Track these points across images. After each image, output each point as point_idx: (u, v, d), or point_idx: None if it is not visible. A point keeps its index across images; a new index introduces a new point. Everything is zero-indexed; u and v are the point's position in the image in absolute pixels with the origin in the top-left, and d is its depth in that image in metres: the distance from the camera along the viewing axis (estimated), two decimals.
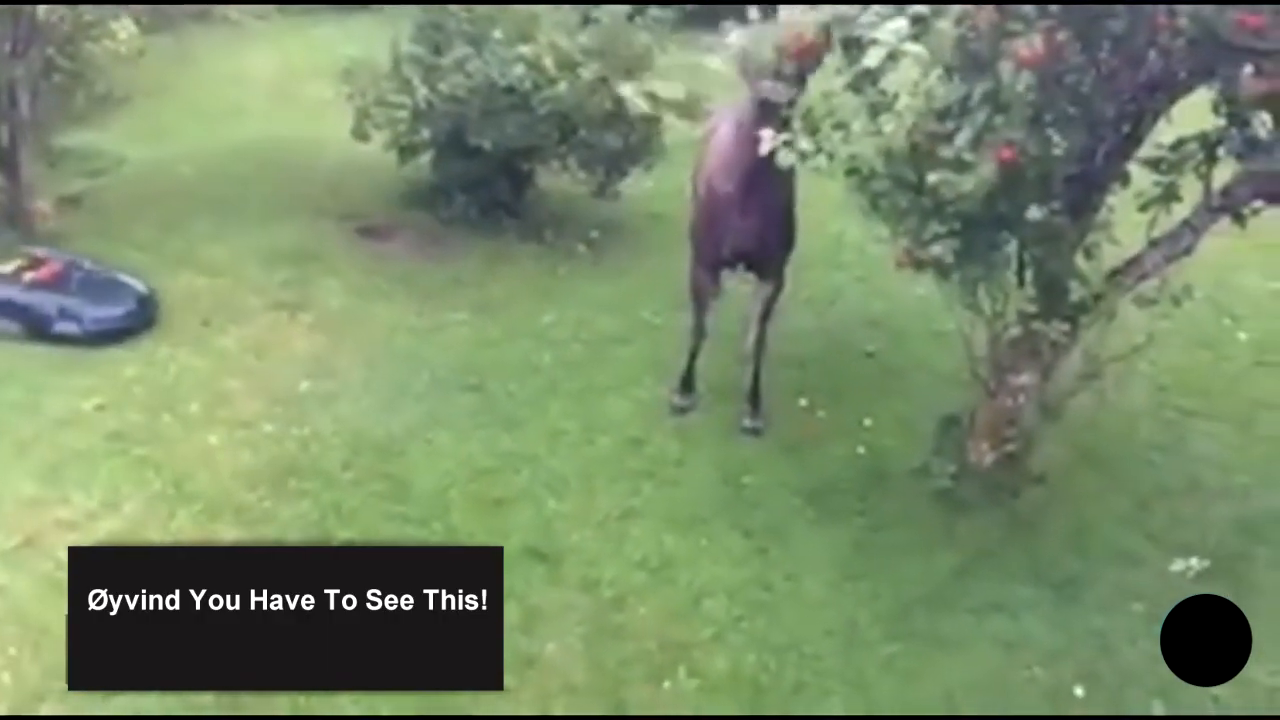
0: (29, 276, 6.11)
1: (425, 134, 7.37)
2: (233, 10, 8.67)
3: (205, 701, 4.13)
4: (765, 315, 5.77)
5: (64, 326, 5.96)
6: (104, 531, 4.81)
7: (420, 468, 5.37)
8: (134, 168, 8.23)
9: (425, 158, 7.65)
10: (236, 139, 8.83)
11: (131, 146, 8.57)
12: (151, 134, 8.92)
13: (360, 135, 7.35)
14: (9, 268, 6.14)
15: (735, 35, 5.13)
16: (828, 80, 4.59)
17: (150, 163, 8.35)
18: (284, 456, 5.36)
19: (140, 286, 6.18)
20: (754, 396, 5.80)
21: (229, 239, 7.16)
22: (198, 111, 9.43)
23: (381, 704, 4.17)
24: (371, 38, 7.92)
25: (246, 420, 5.58)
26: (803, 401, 5.99)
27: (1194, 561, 4.96)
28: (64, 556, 4.63)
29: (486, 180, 7.49)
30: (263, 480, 5.19)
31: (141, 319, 6.07)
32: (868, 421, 5.86)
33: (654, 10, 7.60)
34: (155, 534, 4.83)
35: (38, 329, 5.98)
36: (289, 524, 4.97)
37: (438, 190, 7.74)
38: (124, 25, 9.19)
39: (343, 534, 4.92)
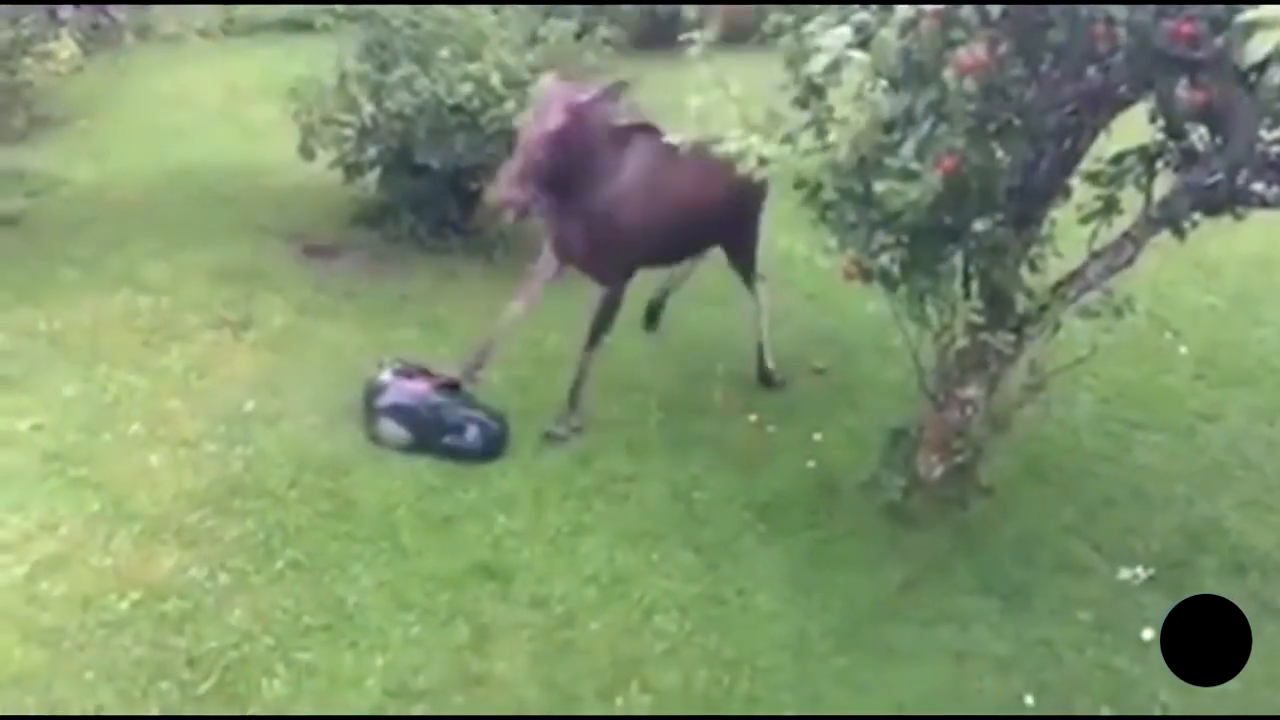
0: (410, 385, 5.66)
1: (372, 152, 7.32)
2: (174, 24, 8.56)
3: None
4: (595, 324, 5.79)
5: (453, 440, 5.54)
6: (40, 553, 4.68)
7: (367, 486, 5.29)
8: (73, 188, 8.09)
9: (372, 176, 7.60)
10: (179, 159, 8.73)
11: (71, 167, 8.44)
12: (91, 154, 8.79)
13: (306, 153, 7.28)
14: (385, 374, 5.71)
15: None
16: (772, 97, 4.61)
17: (90, 183, 8.22)
18: (227, 476, 5.26)
19: (492, 408, 5.74)
20: (570, 400, 5.83)
21: (171, 258, 7.04)
22: (139, 132, 9.32)
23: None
24: (318, 59, 7.86)
25: (189, 440, 5.47)
26: (752, 417, 6.00)
27: (1139, 570, 5.02)
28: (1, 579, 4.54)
29: (434, 199, 7.46)
30: (206, 500, 5.08)
31: (503, 440, 5.66)
32: (817, 436, 5.88)
33: (602, 30, 7.66)
34: (94, 555, 4.71)
35: (427, 440, 5.54)
36: (232, 545, 4.86)
37: (385, 209, 7.69)
38: (64, 44, 9.12)
39: (288, 553, 4.83)
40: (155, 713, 4.05)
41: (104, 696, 4.09)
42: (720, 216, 5.87)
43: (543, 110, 5.31)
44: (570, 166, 5.37)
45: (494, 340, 5.80)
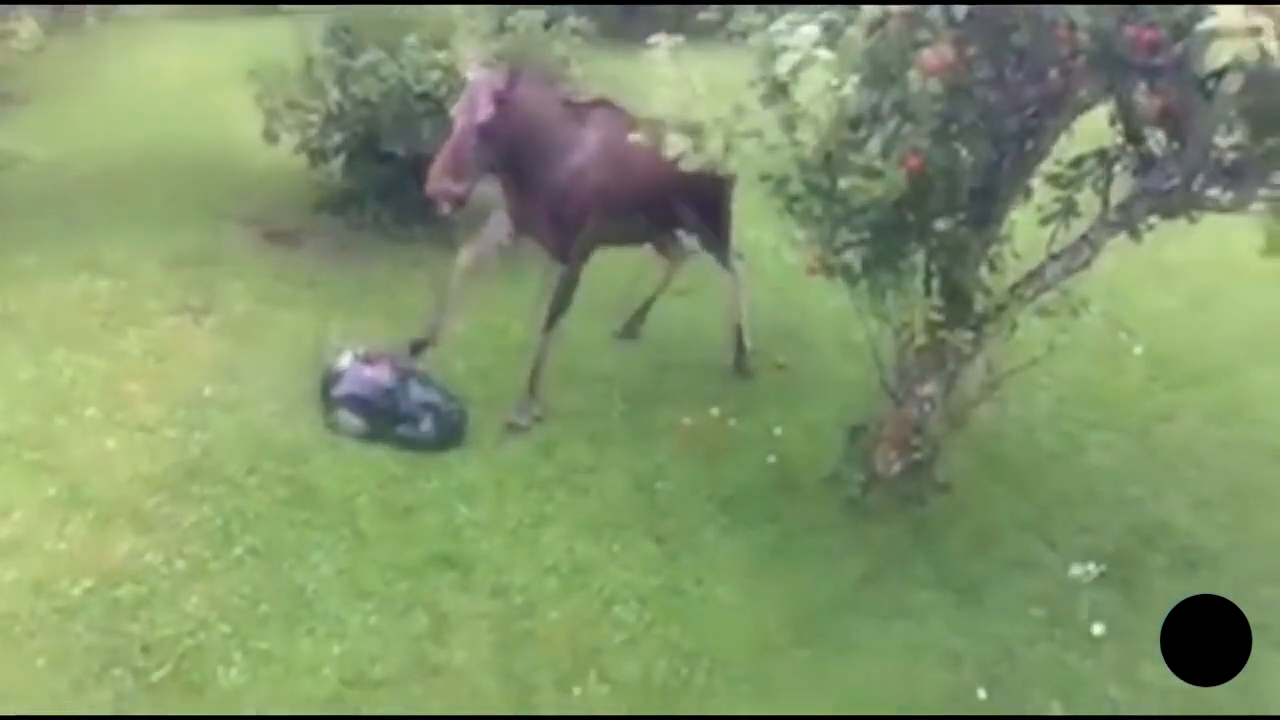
0: (368, 373, 5.58)
1: (337, 138, 7.26)
2: (137, 7, 8.45)
3: None
4: (553, 304, 5.81)
5: (405, 430, 5.49)
6: None
7: (327, 474, 5.27)
8: (33, 167, 7.97)
9: (337, 162, 7.55)
10: (141, 140, 8.60)
11: (31, 146, 8.30)
12: (52, 134, 8.64)
13: (270, 137, 7.22)
14: (343, 361, 5.62)
15: None
16: (738, 93, 4.63)
17: (51, 163, 8.10)
18: (185, 461, 5.22)
19: (452, 395, 5.71)
20: (529, 387, 5.84)
21: (131, 241, 6.96)
22: (101, 112, 9.17)
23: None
24: (284, 42, 7.79)
25: (146, 424, 5.42)
26: (715, 411, 6.01)
27: (1091, 567, 5.07)
28: None
29: (399, 185, 7.40)
30: (163, 485, 5.05)
31: (460, 430, 5.62)
32: (778, 430, 5.91)
33: (571, 20, 7.64)
34: (48, 540, 4.66)
35: (382, 429, 5.49)
36: (190, 531, 4.83)
37: (349, 195, 7.63)
38: (25, 24, 8.98)
39: (247, 539, 4.81)
40: (109, 699, 4.02)
41: (56, 684, 4.06)
42: (688, 192, 5.81)
43: (471, 101, 5.35)
44: (514, 148, 5.42)
45: (453, 295, 5.87)
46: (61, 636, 4.25)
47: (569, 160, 5.58)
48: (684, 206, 5.97)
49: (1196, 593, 4.94)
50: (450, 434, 5.59)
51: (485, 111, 5.27)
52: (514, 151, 5.45)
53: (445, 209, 5.43)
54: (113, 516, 4.83)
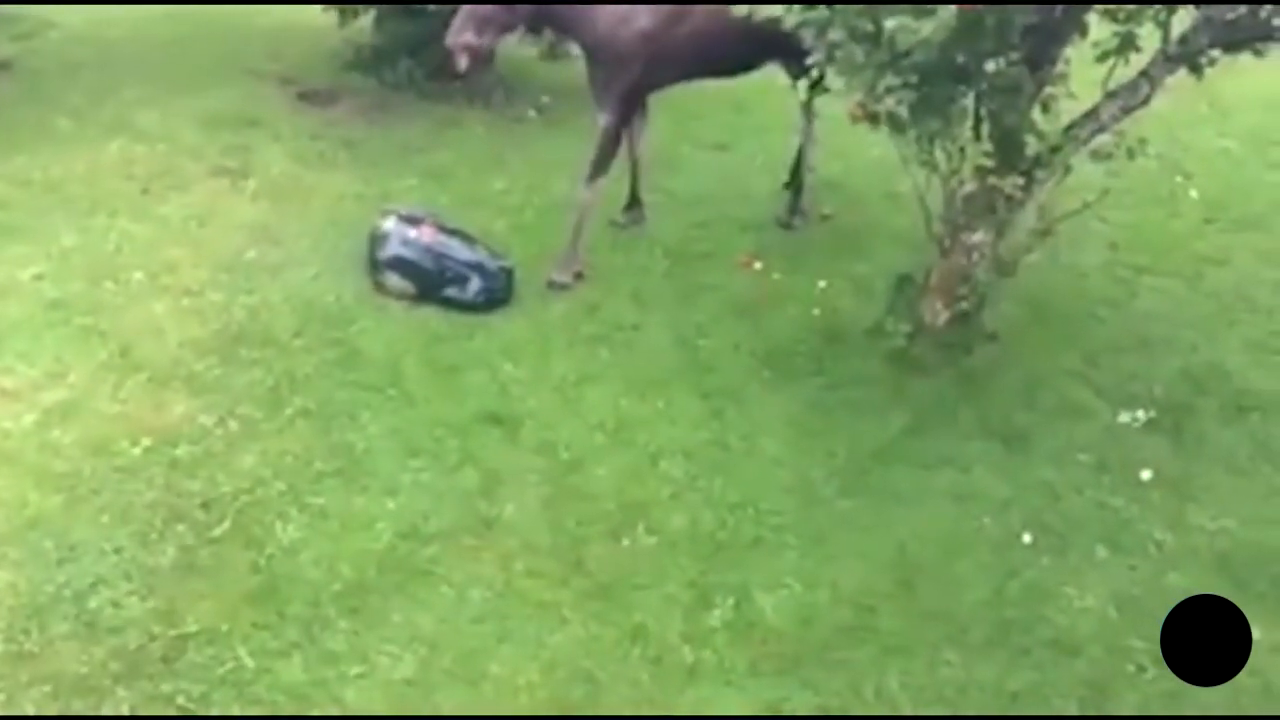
0: (412, 234, 5.54)
1: None
2: None
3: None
4: (594, 158, 5.70)
5: (451, 291, 5.49)
6: (50, 401, 4.71)
7: (372, 335, 5.30)
8: (62, 31, 7.90)
9: (367, 19, 7.39)
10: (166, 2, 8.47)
11: (58, 10, 8.21)
12: None
13: None
14: (388, 223, 5.59)
15: None
16: None
17: (79, 26, 8.02)
18: (232, 325, 5.26)
19: (497, 253, 5.68)
20: (571, 243, 5.79)
21: (164, 104, 6.91)
22: None
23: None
24: None
25: (192, 289, 5.45)
26: (758, 265, 5.96)
27: (1140, 414, 5.05)
28: (9, 426, 4.58)
29: (432, 43, 7.25)
30: (212, 349, 5.10)
31: (507, 290, 5.60)
32: (822, 284, 5.86)
33: None
34: (103, 403, 4.75)
35: (430, 291, 5.50)
36: (241, 392, 4.89)
37: (381, 53, 7.50)
38: None
39: (297, 401, 4.87)
40: (174, 553, 4.14)
41: (121, 538, 4.16)
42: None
43: None
44: (546, 6, 5.39)
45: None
46: (123, 494, 4.34)
47: (609, 10, 5.43)
48: (766, 46, 5.70)
49: (1247, 436, 4.92)
50: (497, 294, 5.57)
51: None
52: (547, 8, 5.39)
53: (463, 63, 5.38)
54: (165, 379, 4.90)
